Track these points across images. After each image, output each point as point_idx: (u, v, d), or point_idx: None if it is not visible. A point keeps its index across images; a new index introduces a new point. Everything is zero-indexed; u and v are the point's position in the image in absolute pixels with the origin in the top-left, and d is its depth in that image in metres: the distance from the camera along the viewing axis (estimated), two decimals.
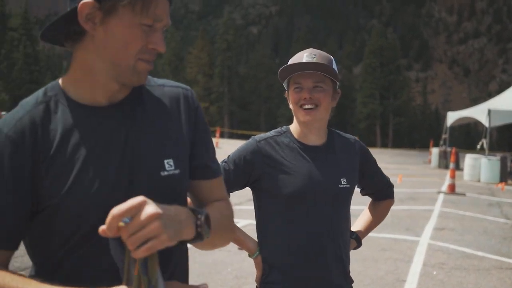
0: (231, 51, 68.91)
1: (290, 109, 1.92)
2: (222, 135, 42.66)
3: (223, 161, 1.87)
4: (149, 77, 1.22)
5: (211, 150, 1.30)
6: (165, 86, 1.25)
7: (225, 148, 24.22)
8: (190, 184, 1.25)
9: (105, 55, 1.08)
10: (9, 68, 60.64)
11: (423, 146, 57.77)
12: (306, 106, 1.81)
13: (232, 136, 57.39)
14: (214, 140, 27.69)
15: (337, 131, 2.03)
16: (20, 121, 1.07)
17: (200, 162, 1.25)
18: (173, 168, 1.16)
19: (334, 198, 1.86)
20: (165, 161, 1.15)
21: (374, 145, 63.35)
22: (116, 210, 0.90)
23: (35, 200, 1.06)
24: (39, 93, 1.14)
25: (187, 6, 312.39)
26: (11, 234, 1.07)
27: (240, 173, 1.86)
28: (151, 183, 1.13)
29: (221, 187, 1.32)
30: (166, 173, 1.15)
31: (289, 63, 1.87)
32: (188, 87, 1.29)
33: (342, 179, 1.87)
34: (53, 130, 1.08)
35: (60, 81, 1.16)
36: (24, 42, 61.59)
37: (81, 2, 1.02)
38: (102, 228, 0.91)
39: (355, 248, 2.07)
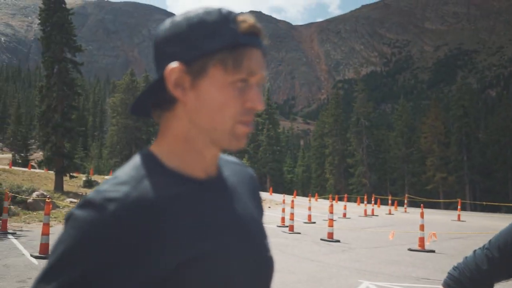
0: (468, 117, 64.61)
1: None
2: (463, 207, 39.29)
3: (484, 248, 1.66)
4: None
5: None
6: (234, 163, 1.14)
7: (469, 221, 22.19)
8: None
9: (199, 121, 0.94)
10: (255, 149, 69.78)
11: None
12: None
13: (475, 208, 52.42)
14: (456, 212, 25.67)
15: None
16: (129, 198, 0.85)
17: None
18: (270, 251, 1.06)
19: None
20: (265, 242, 1.05)
21: None
22: None
23: None
24: (133, 165, 0.94)
25: (417, 77, 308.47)
26: None
27: (508, 261, 1.62)
28: (268, 264, 1.03)
29: None
30: (269, 254, 1.04)
31: None
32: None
33: None
34: (169, 210, 0.89)
35: (153, 150, 0.99)
36: (267, 125, 69.59)
37: (168, 68, 0.91)
38: None
39: None
